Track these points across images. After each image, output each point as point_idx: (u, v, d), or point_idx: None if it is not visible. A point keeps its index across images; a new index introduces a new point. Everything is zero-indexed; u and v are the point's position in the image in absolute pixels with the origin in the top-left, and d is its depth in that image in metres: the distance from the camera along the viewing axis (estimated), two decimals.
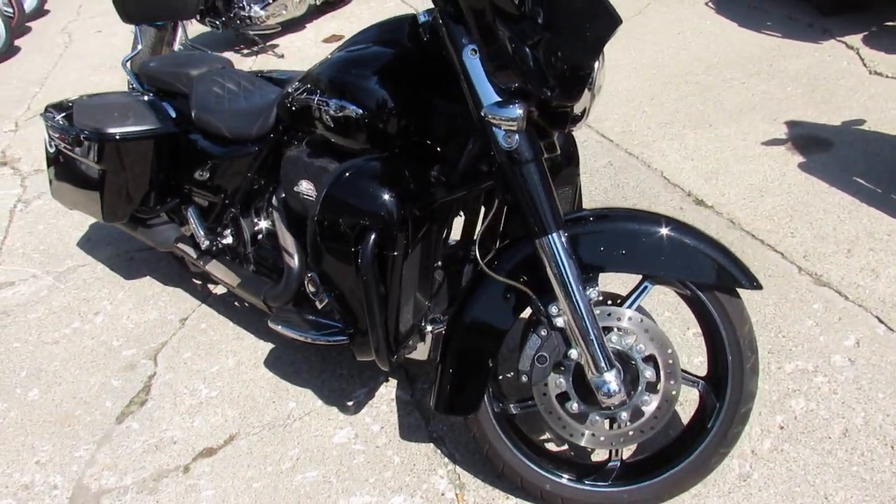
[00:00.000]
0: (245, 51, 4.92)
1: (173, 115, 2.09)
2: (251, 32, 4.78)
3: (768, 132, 2.91)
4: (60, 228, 2.99)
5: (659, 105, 3.29)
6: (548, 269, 1.31)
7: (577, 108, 1.35)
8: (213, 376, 2.10)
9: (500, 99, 1.25)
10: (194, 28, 5.19)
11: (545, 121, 1.33)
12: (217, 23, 4.77)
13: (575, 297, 1.31)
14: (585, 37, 1.22)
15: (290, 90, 1.68)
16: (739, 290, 1.40)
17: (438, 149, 1.53)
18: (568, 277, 1.30)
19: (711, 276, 1.36)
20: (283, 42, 4.99)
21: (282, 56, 4.72)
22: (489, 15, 1.17)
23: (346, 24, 5.20)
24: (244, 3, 4.66)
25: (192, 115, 2.00)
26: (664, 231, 1.36)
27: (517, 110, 1.22)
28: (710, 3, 4.40)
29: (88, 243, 2.86)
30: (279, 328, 1.71)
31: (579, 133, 3.14)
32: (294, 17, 5.00)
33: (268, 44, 4.88)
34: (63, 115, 2.14)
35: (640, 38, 4.09)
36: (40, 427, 2.01)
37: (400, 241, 1.38)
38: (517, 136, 1.27)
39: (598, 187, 2.73)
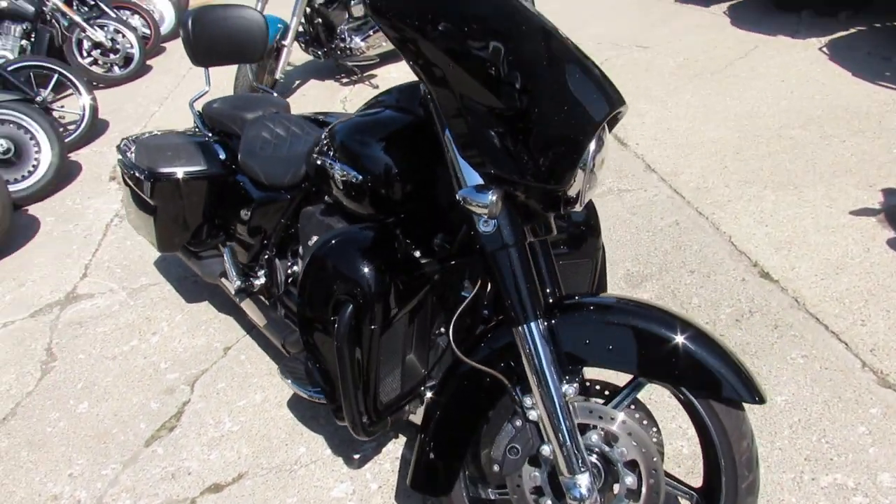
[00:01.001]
0: (344, 80, 5.09)
1: (223, 156, 2.19)
2: (350, 63, 4.95)
3: (860, 200, 2.65)
4: (143, 247, 3.20)
5: (743, 161, 3.08)
6: (523, 359, 1.25)
7: (572, 191, 1.28)
8: (238, 410, 2.16)
9: (480, 182, 1.21)
10: (299, 56, 5.45)
11: (535, 203, 1.28)
12: (319, 53, 4.97)
13: (549, 391, 1.24)
14: (574, 119, 1.15)
15: (314, 145, 1.72)
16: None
17: (442, 217, 1.51)
18: (543, 370, 1.24)
19: (706, 383, 1.24)
20: (381, 72, 5.12)
21: (377, 87, 4.85)
22: (454, 94, 1.13)
23: None
24: (346, 34, 4.84)
25: (238, 158, 2.09)
26: (663, 331, 1.24)
27: (489, 197, 1.18)
28: (824, 49, 4.08)
29: (163, 263, 3.05)
30: (280, 376, 1.74)
31: (648, 185, 3.00)
32: (393, 49, 5.12)
33: (365, 74, 5.03)
34: (132, 148, 2.29)
35: (739, 84, 3.86)
36: (81, 440, 2.15)
37: (378, 313, 1.37)
38: (494, 221, 1.23)
39: (658, 248, 2.59)
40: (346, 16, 4.87)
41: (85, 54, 5.87)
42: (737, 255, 2.48)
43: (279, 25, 4.61)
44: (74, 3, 6.26)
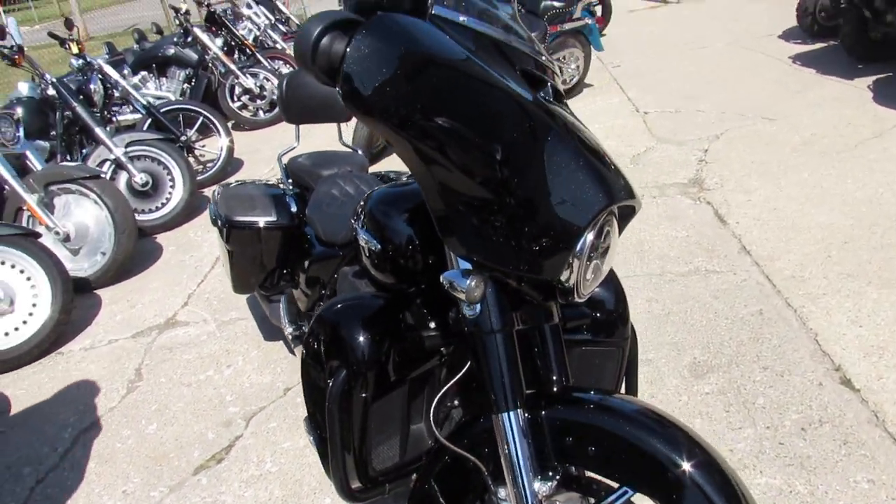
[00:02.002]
0: None
1: (295, 209, 2.33)
2: None
3: None
4: None
5: (850, 251, 2.82)
6: (500, 449, 1.22)
7: (568, 281, 1.25)
8: (282, 451, 2.25)
9: (468, 266, 1.21)
10: None
11: (530, 290, 1.26)
12: None
13: (521, 486, 1.19)
14: (565, 210, 1.11)
15: (357, 208, 1.79)
16: None
17: None
18: (517, 463, 1.20)
19: None
20: None
21: None
22: (433, 177, 1.13)
23: None
24: None
25: (306, 212, 2.21)
26: (666, 449, 1.14)
27: (468, 282, 1.17)
28: None
29: (253, 300, 3.25)
30: (303, 425, 1.80)
31: (739, 268, 2.82)
32: None
33: None
34: (218, 195, 2.50)
35: (865, 166, 3.56)
36: (141, 460, 2.33)
37: (371, 382, 1.39)
38: (478, 306, 1.22)
39: (733, 338, 2.42)
40: None
41: (235, 99, 6.46)
42: (819, 355, 2.26)
43: None
44: (235, 53, 6.95)
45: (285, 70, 7.14)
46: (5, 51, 3.84)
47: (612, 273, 1.71)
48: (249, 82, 6.39)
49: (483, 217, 1.13)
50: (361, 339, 1.38)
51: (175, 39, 6.34)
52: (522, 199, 1.10)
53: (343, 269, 1.80)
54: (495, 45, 1.22)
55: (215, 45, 6.32)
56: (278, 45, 7.47)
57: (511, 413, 1.21)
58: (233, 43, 6.94)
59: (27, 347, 3.00)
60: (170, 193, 4.31)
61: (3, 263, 3.03)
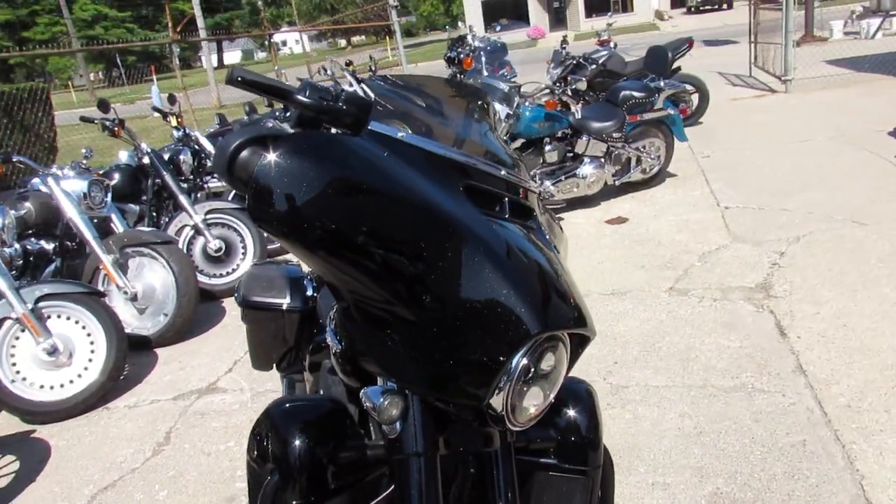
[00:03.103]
0: None
1: (310, 293, 2.36)
2: None
3: None
4: None
5: None
6: None
7: (497, 407, 1.17)
8: None
9: (393, 384, 1.18)
10: None
11: (460, 413, 1.20)
12: None
13: None
14: (496, 331, 1.06)
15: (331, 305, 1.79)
16: None
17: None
18: None
19: None
20: (568, 216, 5.15)
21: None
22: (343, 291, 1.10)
23: (639, 207, 5.15)
24: (538, 178, 4.98)
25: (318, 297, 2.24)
26: None
27: (381, 401, 1.14)
28: None
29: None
30: None
31: (789, 390, 2.57)
32: (583, 196, 5.16)
33: None
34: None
35: None
36: None
37: (303, 489, 1.35)
38: (398, 425, 1.18)
39: (765, 471, 2.18)
40: (541, 160, 5.03)
41: None
42: (862, 503, 1.99)
43: None
44: None
45: None
46: (107, 123, 4.25)
47: (586, 393, 1.61)
48: None
49: (400, 338, 1.10)
50: (297, 442, 1.35)
51: (276, 114, 6.78)
52: (443, 321, 1.06)
53: (325, 362, 1.80)
54: (445, 161, 1.19)
55: None
56: None
57: None
58: None
59: (77, 401, 3.18)
60: (241, 260, 4.52)
61: (68, 318, 3.25)
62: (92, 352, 3.26)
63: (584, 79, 6.02)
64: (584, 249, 4.46)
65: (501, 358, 1.05)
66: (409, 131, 1.21)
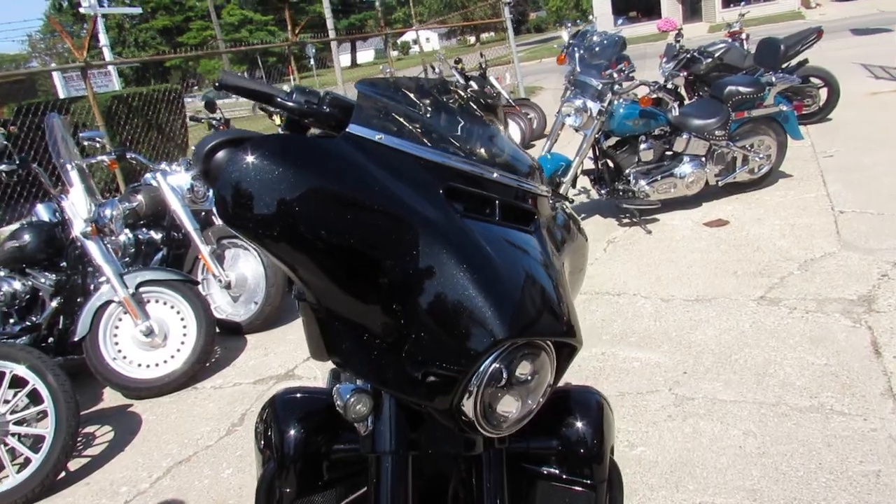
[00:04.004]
0: (624, 220, 5.04)
1: None
2: (630, 205, 4.88)
3: None
4: None
5: None
6: None
7: (468, 412, 1.16)
8: None
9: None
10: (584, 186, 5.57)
11: (435, 414, 1.20)
12: (602, 192, 5.03)
13: None
14: (466, 334, 1.05)
15: None
16: None
17: None
18: None
19: None
20: (664, 217, 4.93)
21: (649, 232, 4.68)
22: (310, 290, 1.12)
23: (742, 209, 4.84)
24: (632, 177, 4.81)
25: None
26: None
27: (347, 398, 1.16)
28: None
29: None
30: None
31: (873, 414, 2.34)
32: (684, 196, 4.92)
33: (643, 218, 4.90)
34: None
35: None
36: (206, 501, 2.53)
37: (294, 478, 1.39)
38: (370, 423, 1.19)
39: (828, 501, 2.00)
40: (636, 160, 4.86)
41: None
42: None
43: (562, 163, 4.83)
44: None
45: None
46: (213, 122, 4.54)
47: (596, 404, 1.56)
48: None
49: (366, 337, 1.12)
50: (293, 432, 1.40)
51: None
52: (409, 323, 1.06)
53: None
54: (426, 163, 1.19)
55: None
56: None
57: None
58: None
59: (169, 380, 3.44)
60: None
61: (164, 303, 3.53)
62: (184, 335, 3.52)
63: (681, 75, 5.73)
64: (675, 252, 4.26)
65: (464, 362, 1.04)
66: (395, 133, 1.21)
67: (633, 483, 2.22)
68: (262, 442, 1.48)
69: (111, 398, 3.54)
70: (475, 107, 1.47)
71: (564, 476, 1.49)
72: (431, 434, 1.23)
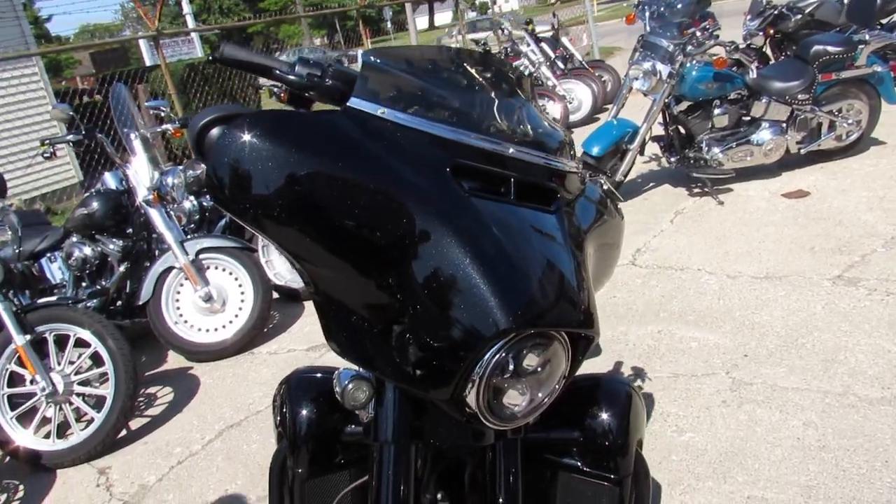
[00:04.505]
0: (695, 190, 4.78)
1: None
2: (701, 174, 4.63)
3: None
4: None
5: None
6: None
7: (471, 403, 1.10)
8: None
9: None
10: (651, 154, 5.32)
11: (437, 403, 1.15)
12: (672, 160, 4.78)
13: None
14: (468, 323, 0.96)
15: None
16: None
17: None
18: None
19: None
20: (738, 187, 4.65)
21: (721, 203, 4.43)
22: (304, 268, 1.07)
23: (826, 179, 4.51)
24: (704, 144, 4.55)
25: None
26: None
27: (346, 384, 1.12)
28: None
29: None
30: None
31: None
32: (757, 165, 4.63)
33: (714, 188, 4.63)
34: None
35: None
36: (253, 465, 2.59)
37: (306, 458, 1.38)
38: (371, 410, 1.16)
39: None
40: (709, 125, 4.59)
41: None
42: None
43: (628, 129, 4.62)
44: None
45: (549, 107, 7.25)
46: (274, 89, 4.55)
47: (624, 395, 1.48)
48: None
49: (365, 322, 1.07)
50: (305, 412, 1.39)
51: None
52: (408, 310, 1.01)
53: None
54: (431, 138, 1.11)
55: None
56: (549, 83, 7.61)
57: None
58: None
59: (227, 344, 3.54)
60: None
61: (223, 270, 3.61)
62: (242, 302, 3.59)
63: (760, 34, 5.34)
64: (748, 226, 4.02)
65: (463, 351, 0.99)
66: (399, 108, 1.14)
67: (679, 471, 2.11)
68: (278, 419, 1.47)
69: (174, 360, 3.68)
70: (497, 79, 1.37)
71: (586, 469, 1.43)
72: (438, 424, 1.18)
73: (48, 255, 3.83)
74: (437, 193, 1.04)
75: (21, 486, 2.73)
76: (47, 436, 2.83)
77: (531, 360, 1.05)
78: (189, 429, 2.94)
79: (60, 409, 2.86)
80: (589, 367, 2.77)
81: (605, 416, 1.43)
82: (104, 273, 3.80)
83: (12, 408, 2.84)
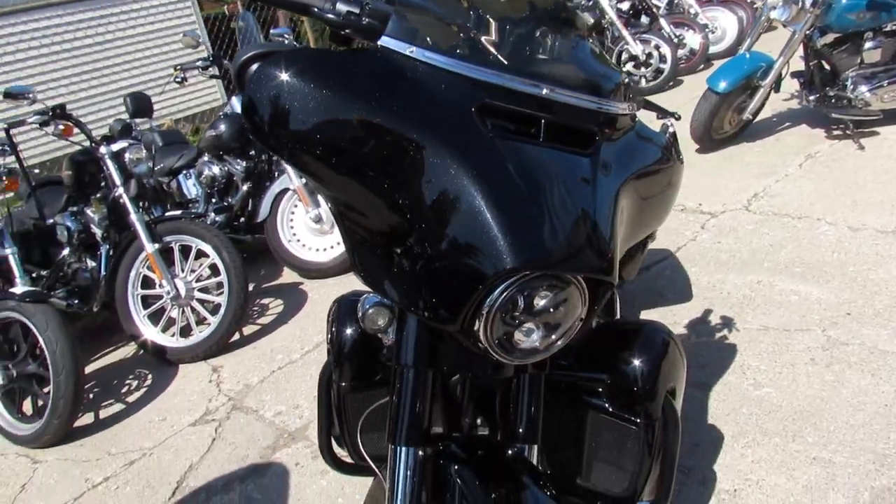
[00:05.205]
0: (834, 131, 4.36)
1: None
2: (843, 115, 4.20)
3: None
4: None
5: None
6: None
7: (482, 338, 1.14)
8: None
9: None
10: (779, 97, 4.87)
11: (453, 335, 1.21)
12: (810, 98, 4.36)
13: None
14: (479, 257, 1.00)
15: None
16: None
17: None
18: (397, 496, 1.22)
19: None
20: (885, 131, 4.19)
21: (862, 148, 4.02)
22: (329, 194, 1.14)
23: None
24: (850, 81, 4.12)
25: None
26: None
27: (367, 308, 1.21)
28: None
29: None
30: None
31: None
32: None
33: (857, 130, 4.19)
34: None
35: None
36: None
37: (348, 374, 1.49)
38: (391, 335, 1.24)
39: None
40: (857, 61, 4.13)
41: (622, 65, 6.46)
42: None
43: (762, 63, 4.26)
44: (641, 16, 6.88)
45: (688, 36, 6.79)
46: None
47: (660, 341, 1.49)
48: (637, 49, 6.31)
49: (382, 252, 1.14)
50: (349, 331, 1.50)
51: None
52: (425, 243, 1.07)
53: None
54: (459, 78, 1.13)
55: (613, 10, 6.37)
56: (691, 10, 7.10)
57: (402, 448, 1.22)
58: (640, 7, 6.86)
59: (333, 263, 3.76)
60: None
61: None
62: None
63: None
64: (889, 174, 3.64)
65: (471, 285, 1.04)
66: (429, 46, 1.16)
67: (746, 424, 2.06)
68: (329, 336, 1.60)
69: (288, 276, 3.97)
70: (544, 16, 1.35)
71: (613, 410, 1.46)
72: (459, 354, 1.23)
73: (184, 172, 4.21)
74: (459, 133, 1.07)
75: (150, 375, 3.13)
76: (172, 334, 3.19)
77: (543, 301, 1.08)
78: (291, 339, 3.20)
79: (183, 311, 3.21)
80: (677, 312, 2.71)
81: (637, 361, 1.43)
82: (230, 191, 4.13)
83: (145, 307, 3.23)
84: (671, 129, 1.78)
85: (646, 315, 2.77)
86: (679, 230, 3.44)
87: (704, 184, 3.97)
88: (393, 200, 1.07)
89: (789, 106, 4.98)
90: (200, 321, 3.24)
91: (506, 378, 1.31)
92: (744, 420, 2.08)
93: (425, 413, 1.22)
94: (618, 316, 2.25)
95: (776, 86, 4.36)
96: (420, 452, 1.22)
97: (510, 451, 1.30)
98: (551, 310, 1.09)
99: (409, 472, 1.21)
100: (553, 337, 1.13)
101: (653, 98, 6.61)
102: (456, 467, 1.22)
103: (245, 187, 4.00)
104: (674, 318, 2.70)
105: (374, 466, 1.47)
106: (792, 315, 2.55)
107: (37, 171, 4.15)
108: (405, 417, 1.21)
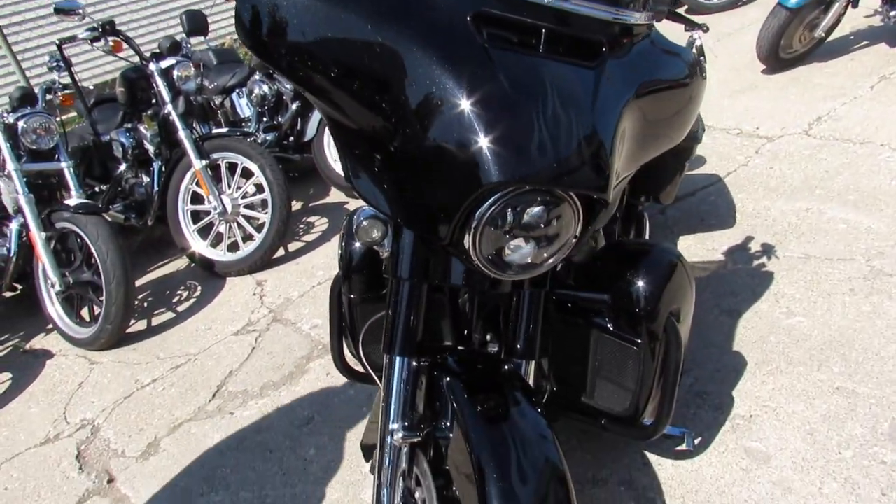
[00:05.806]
0: None
1: None
2: None
3: None
4: None
5: None
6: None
7: (472, 255, 1.14)
8: None
9: None
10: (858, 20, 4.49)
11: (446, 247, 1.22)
12: (893, 14, 4.01)
13: (386, 423, 1.27)
14: (468, 170, 0.99)
15: None
16: None
17: None
18: (389, 405, 1.27)
19: None
20: None
21: None
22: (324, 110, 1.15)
23: None
24: (884, 7, 3.77)
25: None
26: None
27: (360, 220, 1.23)
28: None
29: None
30: None
31: None
32: None
33: None
34: None
35: None
36: None
37: (356, 286, 1.54)
38: (386, 245, 1.26)
39: None
40: None
41: None
42: None
43: None
44: None
45: None
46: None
47: (667, 264, 1.47)
48: None
49: (376, 165, 1.15)
50: (356, 245, 1.53)
51: None
52: (416, 155, 1.08)
53: None
54: None
55: None
56: None
57: (396, 358, 1.26)
58: None
59: None
60: None
61: None
62: None
63: None
64: None
65: (456, 197, 1.05)
66: None
67: (771, 353, 2.02)
68: (339, 251, 1.64)
69: (335, 195, 4.04)
70: None
71: (614, 329, 1.46)
72: (454, 268, 1.24)
73: (237, 90, 4.27)
74: (452, 42, 1.05)
75: (199, 287, 3.28)
76: (220, 249, 3.32)
77: (534, 217, 1.08)
78: (333, 255, 3.28)
79: (230, 227, 3.32)
80: (717, 238, 2.64)
81: (640, 282, 1.42)
82: (280, 110, 4.17)
83: (195, 222, 3.35)
84: (698, 43, 1.69)
85: (684, 240, 2.71)
86: (731, 155, 3.30)
87: (766, 106, 3.77)
88: (383, 110, 1.07)
89: (870, 23, 4.60)
90: (247, 237, 3.36)
91: (509, 294, 1.32)
92: (770, 348, 2.04)
93: (419, 325, 1.25)
94: (646, 237, 2.22)
95: (854, 0, 4.03)
96: (414, 363, 1.26)
97: (507, 367, 1.32)
98: (542, 225, 1.09)
99: (401, 382, 1.26)
100: (545, 254, 1.13)
101: (725, 14, 6.24)
102: (448, 379, 1.25)
103: (294, 106, 4.03)
104: (713, 244, 2.63)
105: (374, 376, 1.53)
106: (837, 244, 2.45)
107: (91, 88, 4.24)
108: (399, 328, 1.25)
